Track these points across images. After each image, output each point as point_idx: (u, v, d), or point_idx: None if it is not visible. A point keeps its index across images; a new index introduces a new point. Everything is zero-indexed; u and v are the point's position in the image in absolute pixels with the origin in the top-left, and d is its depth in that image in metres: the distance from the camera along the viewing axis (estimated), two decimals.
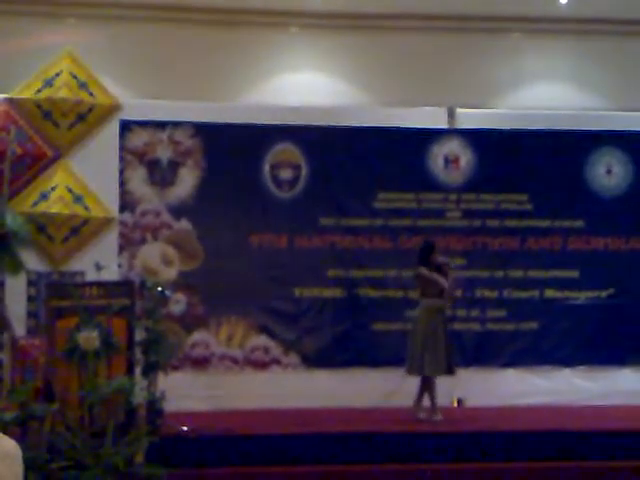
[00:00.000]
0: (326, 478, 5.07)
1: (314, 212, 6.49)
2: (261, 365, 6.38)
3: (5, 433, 2.62)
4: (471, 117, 6.80)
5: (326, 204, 6.52)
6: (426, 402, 5.74)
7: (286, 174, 6.51)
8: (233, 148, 6.42)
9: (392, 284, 6.52)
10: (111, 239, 6.21)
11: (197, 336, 6.33)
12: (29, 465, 3.66)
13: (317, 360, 6.42)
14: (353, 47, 6.91)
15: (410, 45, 6.91)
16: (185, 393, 5.86)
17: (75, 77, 6.12)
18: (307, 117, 6.51)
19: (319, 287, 6.46)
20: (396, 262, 6.49)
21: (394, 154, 6.56)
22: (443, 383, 5.82)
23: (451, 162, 6.68)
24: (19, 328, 5.65)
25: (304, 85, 6.84)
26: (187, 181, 6.39)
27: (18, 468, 3.78)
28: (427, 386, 5.72)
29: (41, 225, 5.98)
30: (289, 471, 5.05)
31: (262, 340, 6.40)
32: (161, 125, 6.35)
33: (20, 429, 4.54)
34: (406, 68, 6.89)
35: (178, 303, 6.22)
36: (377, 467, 5.11)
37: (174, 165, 6.38)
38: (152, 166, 6.35)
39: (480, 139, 6.72)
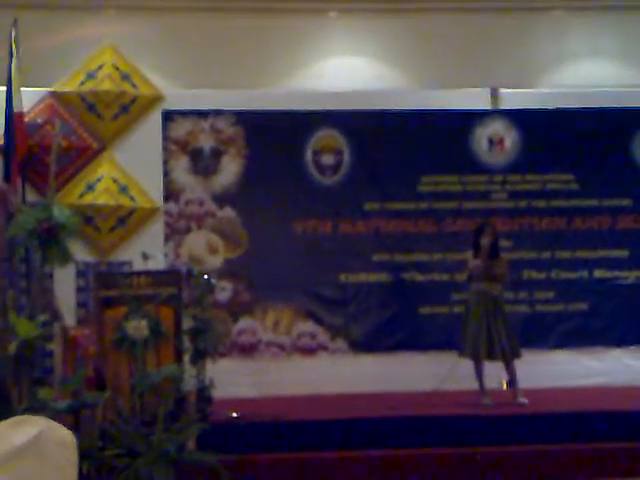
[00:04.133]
0: (375, 463, 5.07)
1: (358, 197, 6.49)
2: (308, 351, 6.41)
3: (58, 422, 2.67)
4: (514, 97, 6.72)
5: (370, 189, 6.51)
6: (475, 385, 5.72)
7: (328, 160, 6.51)
8: (275, 135, 6.43)
9: (437, 267, 6.49)
10: (156, 228, 6.27)
11: (243, 323, 6.38)
12: (83, 453, 3.71)
13: (364, 345, 6.42)
14: (393, 30, 6.85)
15: (451, 26, 6.83)
16: (233, 380, 5.89)
17: (118, 69, 6.19)
18: (348, 102, 6.49)
19: (364, 272, 6.46)
20: (441, 245, 6.47)
21: (437, 137, 6.53)
22: (492, 366, 5.78)
23: (495, 143, 6.61)
24: (69, 318, 5.73)
25: (345, 70, 6.81)
26: (230, 169, 6.42)
27: (73, 456, 3.83)
28: (478, 369, 5.70)
29: (88, 216, 6.05)
30: (338, 456, 5.05)
31: (309, 326, 6.42)
32: (203, 114, 6.38)
33: (73, 417, 4.60)
34: (447, 49, 6.82)
35: (224, 290, 6.26)
36: (426, 451, 5.09)
37: (217, 153, 6.42)
38: (195, 155, 6.40)
39: (524, 119, 6.64)
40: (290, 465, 5.07)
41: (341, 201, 6.49)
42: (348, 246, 6.45)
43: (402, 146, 6.52)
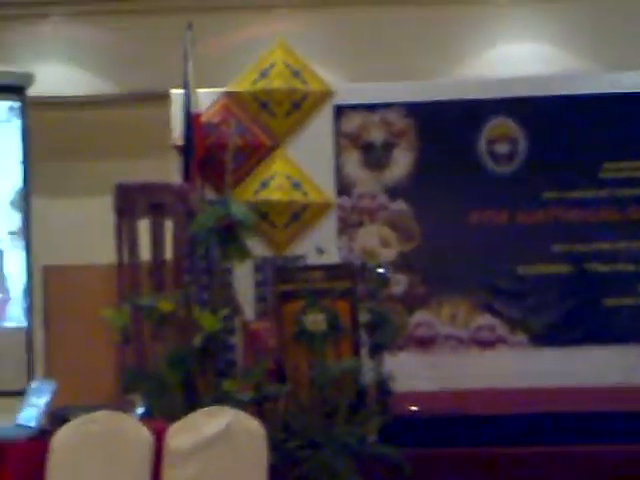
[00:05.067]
0: (556, 459, 4.95)
1: (535, 186, 6.30)
2: (487, 344, 6.29)
3: None
4: None
5: (547, 177, 6.31)
6: None
7: (503, 148, 6.37)
8: (447, 125, 6.34)
9: (622, 257, 6.22)
10: (329, 223, 6.32)
11: (420, 316, 6.33)
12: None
13: (545, 338, 6.24)
14: (564, 13, 6.66)
15: (626, 5, 6.57)
16: (410, 373, 5.86)
17: (288, 66, 6.29)
18: (521, 88, 6.31)
19: (544, 263, 6.27)
20: (625, 234, 6.19)
21: (618, 121, 6.24)
22: None
23: None
24: (248, 312, 5.88)
25: (515, 56, 6.69)
26: (402, 162, 6.40)
27: (263, 447, 3.97)
28: None
29: (263, 213, 6.17)
30: (517, 452, 4.98)
31: (487, 319, 6.30)
32: (373, 107, 6.38)
33: (256, 409, 4.71)
34: (623, 29, 6.55)
35: (399, 284, 6.24)
36: (611, 448, 4.93)
37: (388, 147, 6.41)
38: (367, 149, 6.41)
39: None
40: (470, 460, 5.04)
41: (517, 191, 6.32)
42: (526, 237, 6.27)
43: (580, 132, 6.28)
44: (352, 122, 6.40)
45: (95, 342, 6.34)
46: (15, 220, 6.46)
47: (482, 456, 4.99)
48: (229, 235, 5.21)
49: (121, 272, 5.45)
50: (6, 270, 6.40)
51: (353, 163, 6.40)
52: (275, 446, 4.36)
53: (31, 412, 4.04)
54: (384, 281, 5.42)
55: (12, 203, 6.46)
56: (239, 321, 5.57)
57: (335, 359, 4.93)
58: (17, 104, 6.50)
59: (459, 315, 6.34)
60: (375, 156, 6.41)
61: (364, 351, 5.16)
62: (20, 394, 5.94)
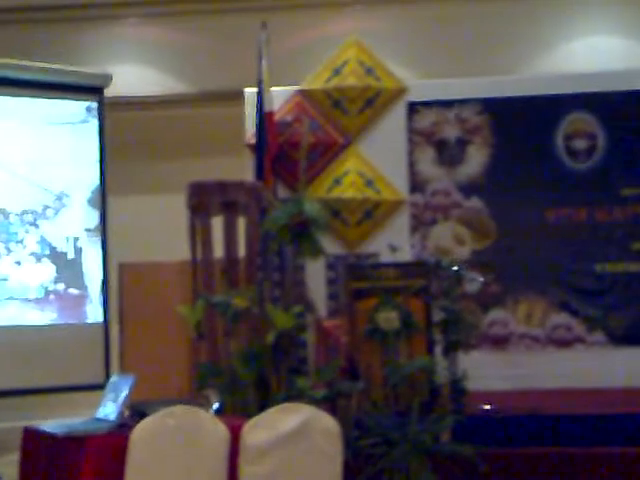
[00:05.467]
0: (632, 460, 4.84)
1: (614, 183, 6.16)
2: (564, 344, 6.18)
3: None
4: None
5: (627, 173, 6.16)
6: None
7: (581, 144, 6.25)
8: (522, 121, 6.25)
9: None
10: (402, 220, 6.28)
11: (494, 315, 6.26)
12: None
13: (625, 338, 6.10)
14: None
15: None
16: (485, 372, 5.78)
17: (362, 63, 6.27)
18: (600, 83, 6.18)
19: (623, 261, 6.14)
20: None
21: None
22: None
23: None
24: (320, 310, 5.89)
25: (593, 50, 6.57)
26: (476, 158, 6.33)
27: (338, 444, 3.98)
28: None
29: (335, 210, 6.17)
30: (593, 453, 4.87)
31: (563, 318, 6.19)
32: (447, 104, 6.32)
33: (329, 406, 4.71)
34: None
35: (474, 281, 6.18)
36: None
37: (462, 143, 6.35)
38: (440, 146, 6.35)
39: None
40: (544, 460, 4.94)
41: (596, 187, 6.19)
42: (604, 234, 6.15)
43: None
44: (426, 119, 6.35)
45: (169, 338, 6.42)
46: (92, 218, 6.58)
47: (557, 456, 4.90)
48: (302, 232, 5.22)
49: (195, 269, 5.51)
50: (84, 267, 6.52)
51: (426, 160, 6.36)
52: (348, 443, 4.37)
53: (111, 406, 4.12)
54: (459, 279, 5.36)
55: (89, 201, 6.58)
56: (311, 318, 5.58)
57: (408, 357, 4.91)
58: (94, 104, 6.61)
59: (535, 314, 6.25)
60: (449, 153, 6.36)
61: (438, 349, 5.13)
62: (98, 388, 6.10)
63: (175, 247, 5.69)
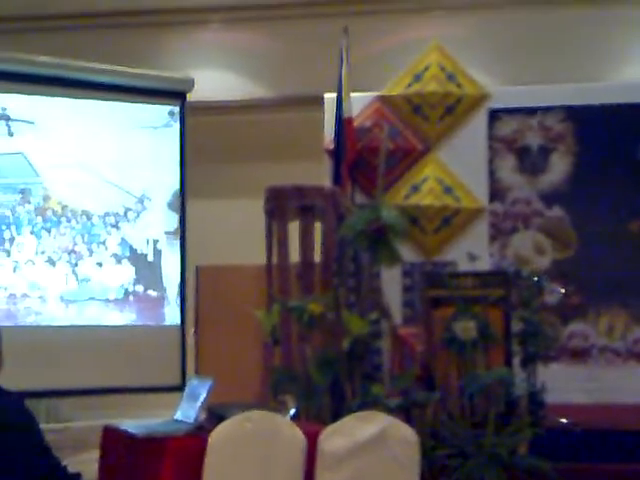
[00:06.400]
0: None
1: None
2: None
3: None
4: None
5: None
6: None
7: None
8: (607, 130, 6.11)
9: None
10: (481, 229, 6.20)
11: (574, 327, 6.14)
12: None
13: None
14: None
15: None
16: (563, 385, 5.69)
17: (443, 69, 6.22)
18: None
19: None
20: None
21: None
22: None
23: None
24: (395, 317, 5.85)
25: None
26: (559, 167, 6.21)
27: (416, 454, 3.94)
28: None
29: (413, 217, 6.13)
30: None
31: None
32: (530, 111, 6.22)
33: (404, 416, 4.67)
34: None
35: (553, 293, 6.07)
36: None
37: (545, 151, 6.24)
38: (522, 153, 6.26)
39: None
40: (624, 476, 4.83)
41: None
42: None
43: None
44: (507, 126, 6.26)
45: (244, 341, 6.47)
46: (172, 221, 6.67)
47: (638, 473, 4.79)
48: (379, 239, 5.19)
49: (271, 273, 5.53)
50: (163, 269, 6.61)
51: (507, 168, 6.26)
52: (423, 453, 4.33)
53: (190, 408, 4.16)
54: (539, 289, 5.27)
55: (169, 204, 6.67)
56: (387, 325, 5.55)
57: (485, 368, 4.83)
58: (177, 109, 6.71)
59: (616, 327, 6.10)
60: (531, 161, 6.25)
61: (516, 361, 5.04)
62: (174, 390, 6.18)
63: (252, 251, 5.72)
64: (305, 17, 7.23)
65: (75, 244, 6.33)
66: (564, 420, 5.08)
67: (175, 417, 4.26)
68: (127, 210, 6.52)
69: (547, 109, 6.22)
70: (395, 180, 6.22)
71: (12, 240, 6.17)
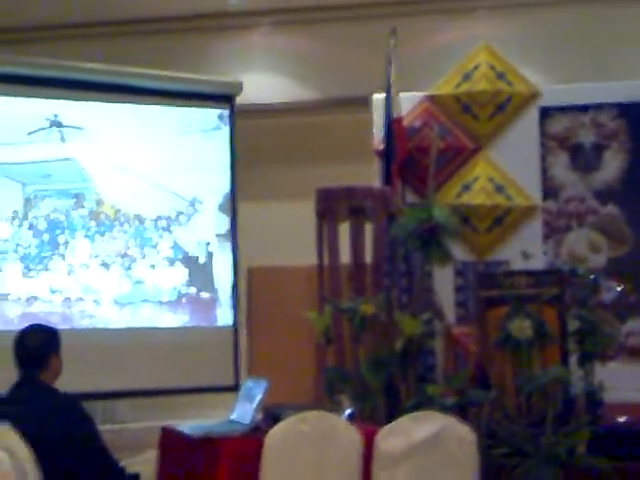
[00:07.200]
0: None
1: None
2: None
3: None
4: None
5: None
6: None
7: None
8: None
9: None
10: (534, 227, 6.13)
11: (632, 325, 6.04)
12: None
13: None
14: None
15: None
16: (622, 384, 5.60)
17: (493, 68, 6.17)
18: None
19: None
20: None
21: None
22: None
23: None
24: (448, 317, 5.82)
25: None
26: (612, 164, 6.13)
27: (474, 453, 3.91)
28: None
29: (464, 216, 6.09)
30: None
31: None
32: (582, 109, 6.14)
33: (459, 415, 4.65)
34: None
35: (609, 291, 5.99)
36: None
37: (598, 149, 6.16)
38: (575, 151, 6.18)
39: None
40: None
41: None
42: None
43: None
44: (559, 124, 6.19)
45: (296, 342, 6.50)
46: (223, 223, 6.72)
47: None
48: (431, 238, 5.17)
49: (322, 274, 5.54)
50: (215, 271, 6.66)
51: (560, 166, 6.20)
52: (480, 452, 4.30)
53: (245, 409, 4.18)
54: (595, 288, 5.20)
55: (220, 207, 6.72)
56: (440, 326, 5.53)
57: (542, 367, 4.79)
58: (226, 112, 6.76)
59: None
60: (584, 158, 6.18)
61: (573, 360, 4.99)
62: (227, 390, 6.23)
63: (303, 253, 5.74)
64: (351, 19, 7.23)
65: (128, 247, 6.41)
66: (621, 419, 5.00)
67: (231, 418, 4.29)
68: (179, 213, 6.58)
69: (599, 106, 6.14)
70: (446, 179, 6.18)
71: (67, 244, 6.26)
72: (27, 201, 6.17)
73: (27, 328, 3.79)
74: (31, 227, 6.17)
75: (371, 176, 6.26)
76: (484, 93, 6.13)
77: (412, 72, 6.35)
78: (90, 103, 6.39)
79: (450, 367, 5.42)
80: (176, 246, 6.55)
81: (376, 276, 5.54)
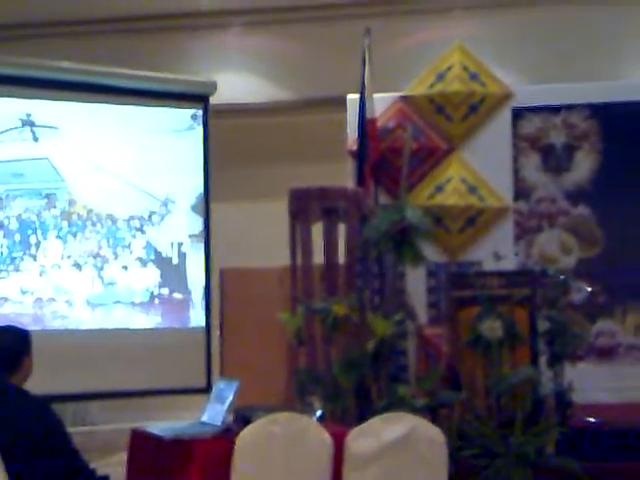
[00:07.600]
0: None
1: None
2: None
3: None
4: None
5: None
6: None
7: None
8: (632, 128, 6.06)
9: None
10: (506, 228, 6.16)
11: (601, 325, 6.09)
12: None
13: None
14: None
15: None
16: (590, 384, 5.66)
17: (466, 69, 6.18)
18: None
19: None
20: None
21: None
22: None
23: None
24: (421, 318, 5.83)
25: None
26: (583, 165, 6.17)
27: (443, 454, 3.93)
28: None
29: (437, 217, 6.11)
30: None
31: None
32: (554, 109, 6.19)
33: (430, 416, 4.66)
34: None
35: (579, 292, 6.03)
36: None
37: (569, 149, 6.20)
38: (546, 152, 6.21)
39: None
40: None
41: None
42: None
43: None
44: (531, 124, 6.23)
45: (269, 343, 6.47)
46: (196, 224, 6.70)
47: None
48: (403, 239, 5.18)
49: (294, 275, 5.53)
50: (188, 272, 6.64)
51: (532, 167, 6.22)
52: (450, 454, 4.32)
53: (216, 411, 4.17)
54: (565, 289, 5.24)
55: (193, 207, 6.70)
56: (412, 326, 5.54)
57: (512, 367, 4.81)
58: (200, 112, 6.74)
59: None
60: (556, 159, 6.21)
61: (542, 360, 5.02)
62: (199, 392, 6.21)
63: (276, 253, 5.72)
64: (326, 19, 7.23)
65: (100, 248, 6.38)
66: (590, 419, 5.04)
67: (202, 419, 4.28)
68: (151, 214, 6.56)
69: (571, 107, 6.18)
70: (419, 180, 6.19)
71: (38, 244, 6.22)
72: None
73: None
74: (2, 227, 6.13)
75: (345, 176, 6.27)
76: (457, 94, 6.15)
77: (387, 72, 6.36)
78: (63, 102, 6.35)
79: (422, 368, 5.43)
80: (149, 246, 6.53)
81: (348, 277, 5.54)
